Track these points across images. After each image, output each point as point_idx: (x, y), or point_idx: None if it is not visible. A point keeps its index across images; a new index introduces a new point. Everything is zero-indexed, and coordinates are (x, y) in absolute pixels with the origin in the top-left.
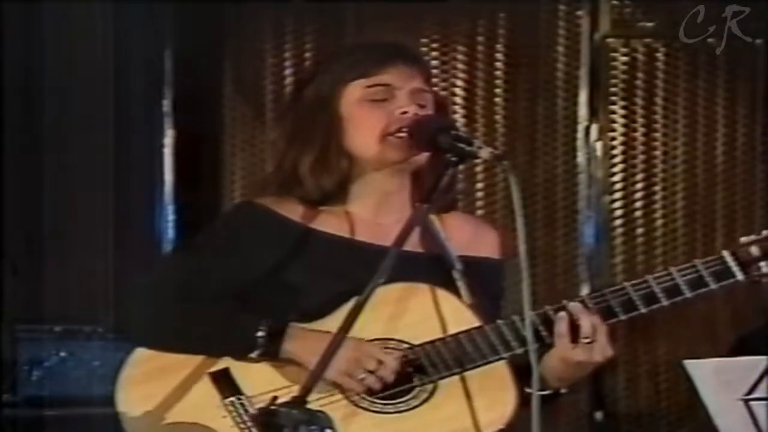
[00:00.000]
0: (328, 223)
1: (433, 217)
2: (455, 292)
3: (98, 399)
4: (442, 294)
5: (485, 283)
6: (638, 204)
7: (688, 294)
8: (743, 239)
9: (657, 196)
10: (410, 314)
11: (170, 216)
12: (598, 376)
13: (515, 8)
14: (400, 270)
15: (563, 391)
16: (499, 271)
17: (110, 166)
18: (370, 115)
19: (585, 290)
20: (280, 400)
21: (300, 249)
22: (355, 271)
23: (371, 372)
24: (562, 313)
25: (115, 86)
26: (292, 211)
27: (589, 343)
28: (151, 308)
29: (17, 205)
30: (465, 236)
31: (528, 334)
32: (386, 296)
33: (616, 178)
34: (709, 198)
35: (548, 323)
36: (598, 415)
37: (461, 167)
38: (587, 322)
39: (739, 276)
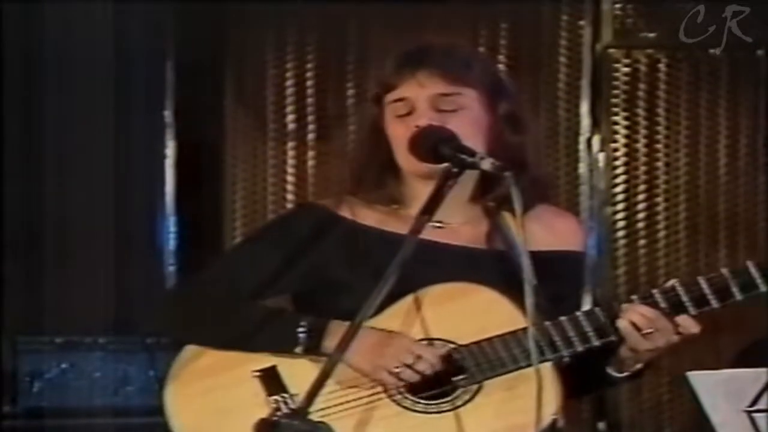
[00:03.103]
0: (389, 223)
1: (507, 216)
2: (520, 291)
3: (99, 410)
4: (493, 295)
5: (557, 277)
6: (640, 215)
7: (740, 297)
8: None
9: (659, 207)
10: (459, 314)
11: (171, 227)
12: None
13: (517, 18)
14: (469, 267)
15: (639, 366)
16: (574, 263)
17: (111, 177)
18: (397, 131)
19: (587, 301)
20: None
21: (358, 247)
22: (414, 268)
23: (409, 366)
24: (622, 319)
25: (116, 97)
26: (354, 212)
27: (650, 333)
28: (196, 304)
29: (18, 215)
30: (537, 231)
31: (531, 343)
32: (436, 296)
33: (618, 189)
34: (712, 209)
35: (614, 318)
36: (601, 426)
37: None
38: (637, 315)
39: None
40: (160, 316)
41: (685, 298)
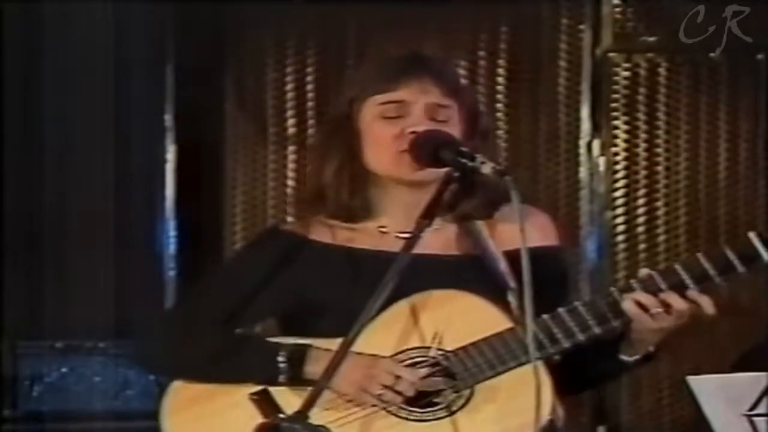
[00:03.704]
0: (359, 239)
1: (481, 222)
2: (497, 295)
3: (99, 414)
4: (477, 300)
5: (534, 273)
6: (640, 219)
7: (718, 280)
8: None
9: (659, 211)
10: (446, 321)
11: (171, 231)
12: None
13: (517, 22)
14: (443, 275)
15: (651, 349)
16: (551, 258)
17: (111, 181)
18: (383, 133)
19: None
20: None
21: (329, 267)
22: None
23: (389, 387)
24: (627, 296)
25: (116, 100)
26: (321, 232)
27: (659, 312)
28: (175, 341)
29: (18, 218)
30: (508, 230)
31: (530, 345)
32: (421, 303)
33: (618, 193)
34: (712, 213)
35: (615, 306)
36: (601, 430)
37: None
38: (644, 296)
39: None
40: (153, 361)
41: (663, 286)
